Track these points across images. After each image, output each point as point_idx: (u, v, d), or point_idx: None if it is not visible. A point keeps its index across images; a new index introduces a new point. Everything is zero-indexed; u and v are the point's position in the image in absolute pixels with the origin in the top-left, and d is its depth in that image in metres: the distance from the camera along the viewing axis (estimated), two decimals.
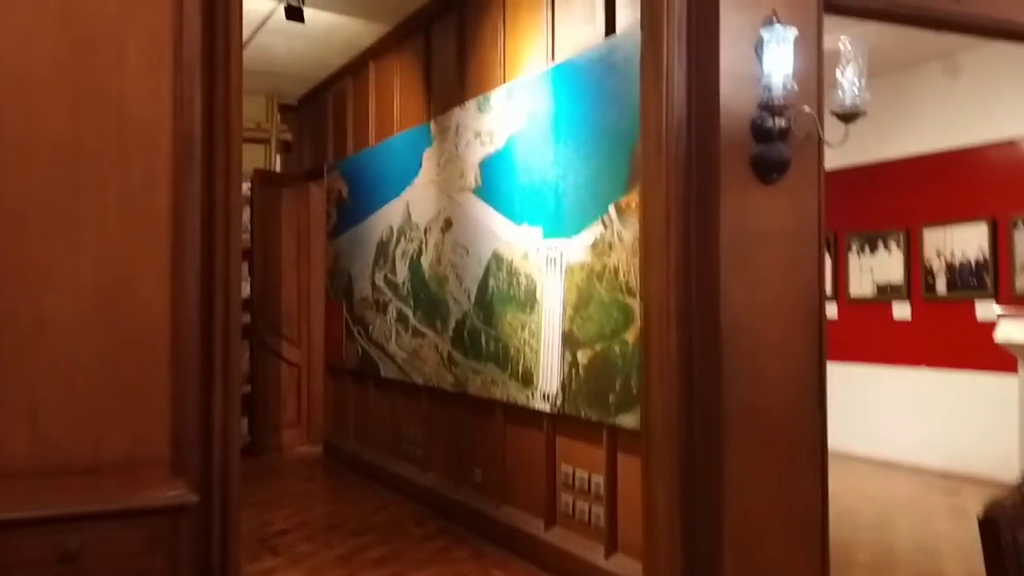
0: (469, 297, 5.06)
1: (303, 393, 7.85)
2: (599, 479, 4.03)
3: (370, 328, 6.43)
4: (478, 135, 5.00)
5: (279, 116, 7.99)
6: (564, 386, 4.20)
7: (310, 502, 5.78)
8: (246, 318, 7.38)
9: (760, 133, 3.15)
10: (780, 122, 3.12)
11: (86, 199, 2.40)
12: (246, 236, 7.54)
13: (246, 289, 7.54)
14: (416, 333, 5.72)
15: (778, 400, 3.22)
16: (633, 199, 3.72)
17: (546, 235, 4.36)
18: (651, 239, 3.31)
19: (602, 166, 3.98)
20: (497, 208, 4.81)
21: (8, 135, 2.31)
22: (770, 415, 3.20)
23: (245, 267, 7.56)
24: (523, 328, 4.53)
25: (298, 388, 7.83)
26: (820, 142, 3.25)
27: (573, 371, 4.13)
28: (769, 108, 3.08)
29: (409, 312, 5.82)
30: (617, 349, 3.84)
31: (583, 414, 4.06)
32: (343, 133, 7.10)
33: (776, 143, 3.15)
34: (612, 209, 3.89)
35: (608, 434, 3.96)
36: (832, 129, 3.22)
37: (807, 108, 3.14)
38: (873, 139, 6.33)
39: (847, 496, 5.69)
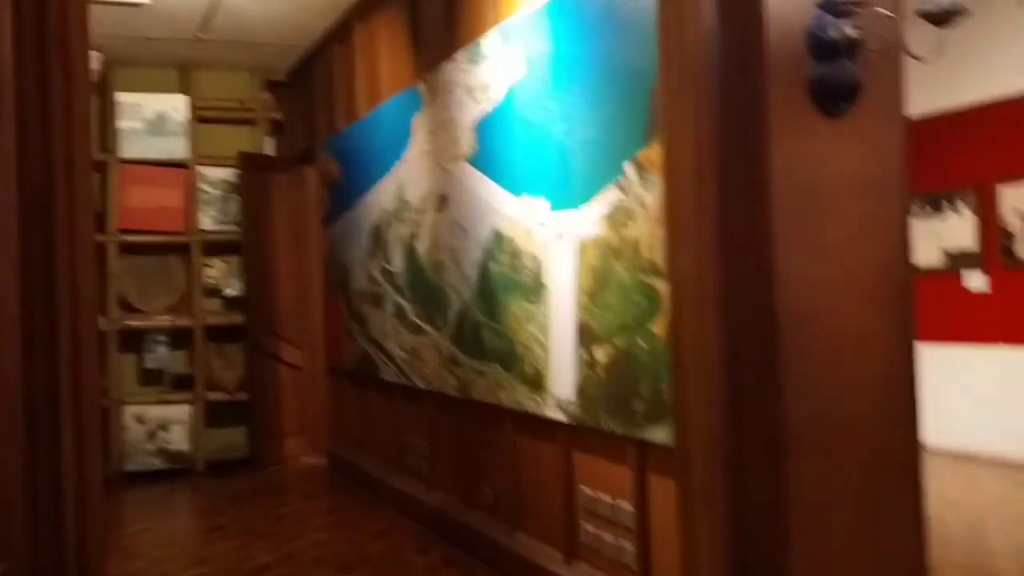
0: (469, 286, 4.28)
1: (306, 399, 7.12)
2: (627, 506, 3.23)
3: (368, 325, 5.68)
4: (470, 91, 4.21)
5: (268, 94, 7.24)
6: (580, 391, 3.40)
7: (302, 527, 5.05)
8: (238, 319, 6.68)
9: (820, 47, 2.32)
10: (848, 30, 2.29)
11: None
12: (235, 227, 6.83)
13: (238, 287, 6.84)
14: (415, 329, 4.95)
15: (857, 408, 2.41)
16: (656, 152, 2.91)
17: (554, 207, 3.55)
18: (678, 201, 2.50)
19: (615, 114, 3.16)
20: (495, 178, 4.01)
21: None
22: (848, 429, 2.39)
23: (235, 263, 6.85)
24: (530, 320, 3.74)
25: (300, 393, 7.11)
26: (902, 56, 2.42)
27: (590, 372, 3.34)
28: (832, 9, 2.25)
29: (407, 305, 5.05)
30: (643, 344, 3.04)
31: (604, 425, 3.27)
32: (331, 107, 6.34)
33: (842, 60, 2.33)
34: (630, 167, 3.08)
35: (635, 451, 3.16)
36: (918, 39, 2.39)
37: (883, 9, 2.31)
38: (933, 85, 5.45)
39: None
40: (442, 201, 4.55)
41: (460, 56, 4.29)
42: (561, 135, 3.48)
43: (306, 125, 6.97)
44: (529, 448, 3.90)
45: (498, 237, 3.98)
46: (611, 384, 3.22)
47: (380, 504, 5.37)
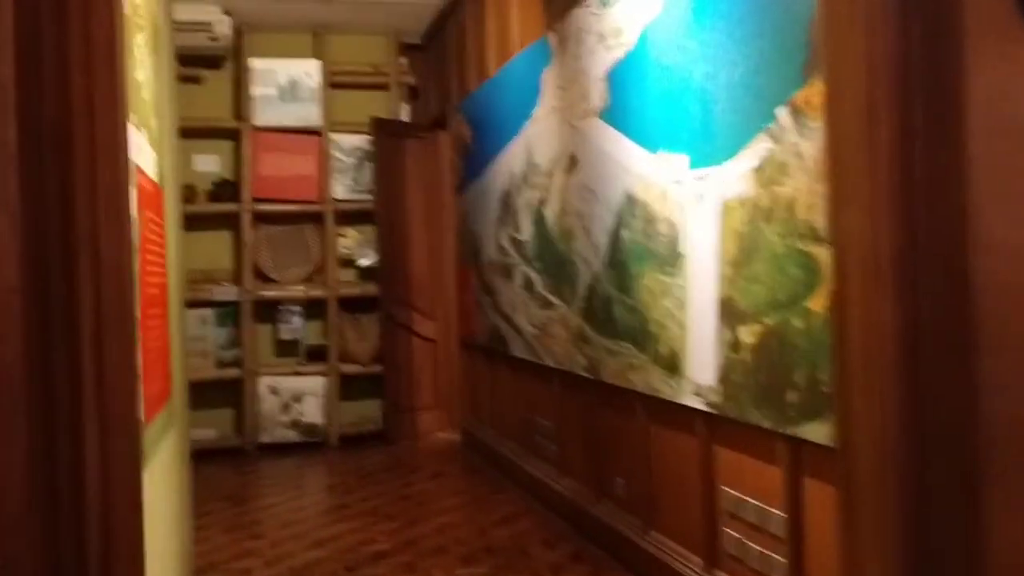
0: (599, 256, 3.86)
1: (441, 372, 6.89)
2: (777, 512, 2.76)
3: (498, 297, 5.35)
4: (602, 38, 3.77)
5: (405, 58, 6.99)
6: (722, 376, 2.94)
7: (426, 510, 4.79)
8: (372, 289, 6.50)
9: None
10: None
11: None
12: (368, 196, 6.64)
13: (371, 257, 6.66)
14: (544, 303, 4.58)
15: None
16: (816, 92, 2.41)
17: (694, 163, 3.09)
18: (844, 146, 2.01)
19: (766, 50, 2.66)
20: (628, 133, 3.57)
21: None
22: None
23: (369, 232, 6.67)
24: (665, 294, 3.29)
25: (435, 366, 6.88)
26: None
27: (734, 355, 2.87)
28: None
29: (536, 277, 4.69)
30: (798, 324, 2.55)
31: (750, 418, 2.80)
32: (463, 67, 6.01)
33: None
34: (784, 112, 2.58)
35: (788, 449, 2.68)
36: None
37: None
38: None
39: None
40: (571, 162, 4.14)
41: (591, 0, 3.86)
42: (703, 79, 3.00)
43: (440, 88, 6.69)
44: (664, 438, 3.47)
45: (630, 200, 3.54)
46: (759, 370, 2.74)
47: (510, 487, 5.07)
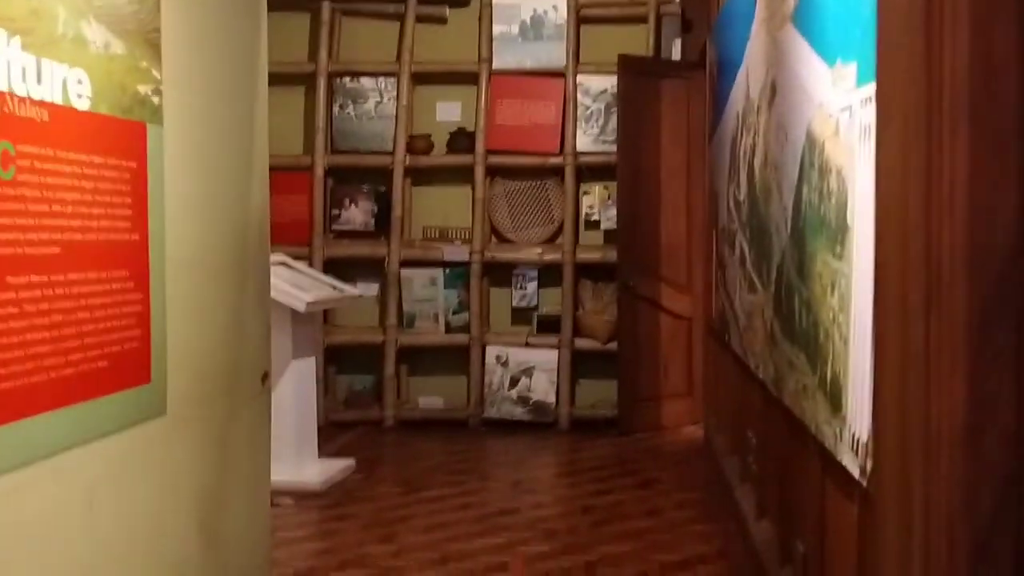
0: (786, 222, 2.70)
1: (695, 355, 5.85)
2: None
3: (726, 272, 4.25)
4: None
5: None
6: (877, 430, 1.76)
7: (599, 532, 3.89)
8: (611, 255, 5.64)
9: None
10: None
11: None
12: (609, 147, 5.74)
13: (612, 216, 5.78)
14: (751, 285, 3.45)
15: None
16: None
17: (861, 78, 1.89)
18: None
19: None
20: (811, 40, 2.38)
21: None
22: None
23: (613, 188, 5.78)
24: (832, 287, 2.12)
25: (688, 349, 5.86)
26: None
27: None
28: None
29: (747, 250, 3.56)
30: None
31: None
32: None
33: None
34: None
35: None
36: None
37: None
38: None
39: None
40: (772, 92, 2.97)
41: None
42: None
43: (707, 16, 5.56)
44: (834, 502, 2.29)
45: (810, 141, 2.36)
46: None
47: (718, 515, 4.01)
